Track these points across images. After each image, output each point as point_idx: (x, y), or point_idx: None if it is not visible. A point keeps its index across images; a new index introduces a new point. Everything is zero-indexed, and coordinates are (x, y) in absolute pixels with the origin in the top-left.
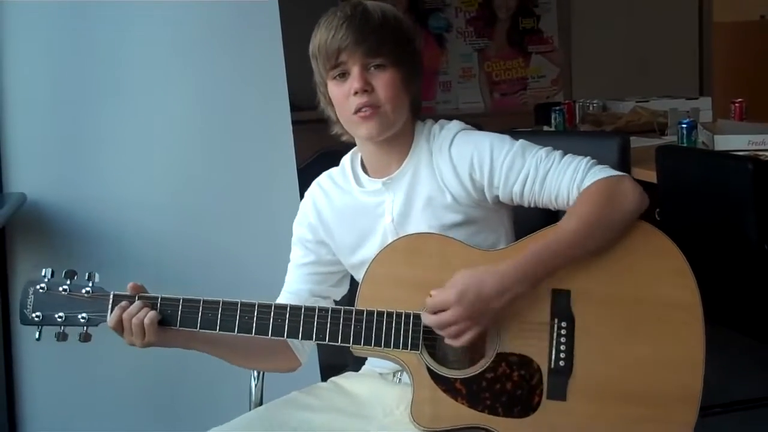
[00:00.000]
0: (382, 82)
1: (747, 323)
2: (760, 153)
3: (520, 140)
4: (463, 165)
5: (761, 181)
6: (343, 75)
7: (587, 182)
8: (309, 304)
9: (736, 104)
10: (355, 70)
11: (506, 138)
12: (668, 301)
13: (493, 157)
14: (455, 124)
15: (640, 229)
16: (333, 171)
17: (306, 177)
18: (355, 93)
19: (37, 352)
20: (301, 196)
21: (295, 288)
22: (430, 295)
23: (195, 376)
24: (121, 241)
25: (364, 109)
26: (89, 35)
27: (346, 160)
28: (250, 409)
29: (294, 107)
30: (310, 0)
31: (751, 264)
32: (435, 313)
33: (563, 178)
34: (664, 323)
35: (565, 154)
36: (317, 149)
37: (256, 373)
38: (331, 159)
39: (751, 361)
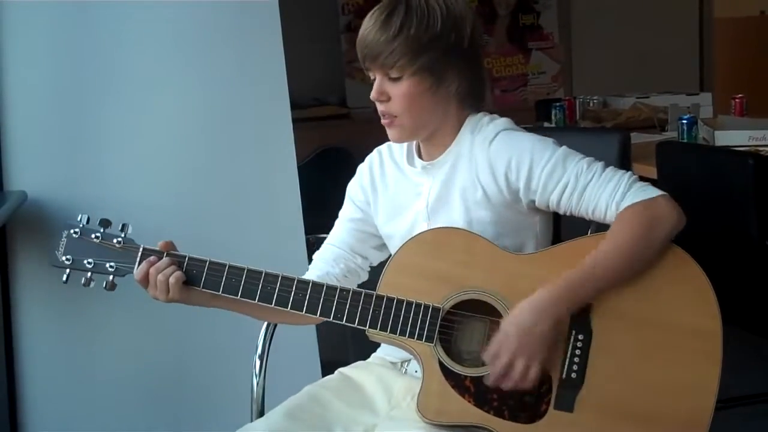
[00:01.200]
0: (397, 93)
1: (748, 319)
2: (761, 148)
3: (563, 147)
4: (500, 164)
5: (762, 177)
6: (374, 79)
7: (626, 202)
8: (347, 257)
9: (737, 100)
10: (377, 79)
11: (549, 142)
12: (690, 328)
13: (533, 162)
14: (503, 122)
15: (671, 253)
16: (395, 144)
17: (306, 174)
18: (375, 100)
19: (38, 353)
20: (302, 194)
21: (337, 240)
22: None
23: (196, 376)
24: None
25: (384, 115)
26: (89, 34)
27: None
28: (251, 408)
29: (294, 105)
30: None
31: (752, 259)
32: (492, 364)
33: (602, 193)
34: (682, 349)
35: (606, 166)
36: (317, 146)
37: (257, 372)
38: (331, 156)
39: (753, 357)
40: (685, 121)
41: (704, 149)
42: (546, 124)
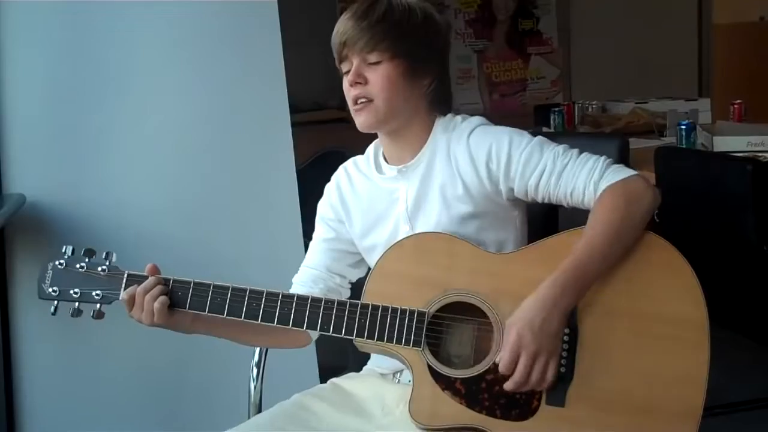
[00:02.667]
0: (376, 76)
1: (747, 325)
2: (759, 154)
3: (539, 136)
4: (480, 154)
5: (760, 182)
6: (349, 70)
7: (603, 182)
8: (325, 277)
9: (735, 105)
10: (354, 65)
11: (525, 133)
12: (675, 317)
13: (511, 149)
14: (477, 118)
15: (652, 243)
16: (359, 157)
17: (305, 178)
18: (351, 85)
19: (36, 356)
20: (301, 197)
21: (313, 262)
22: (495, 363)
23: (195, 378)
24: (120, 242)
25: (360, 101)
26: (88, 37)
27: (371, 147)
28: (249, 410)
29: (294, 109)
30: (310, 1)
31: (750, 265)
32: (512, 372)
33: (579, 174)
34: (669, 339)
35: (582, 152)
36: (316, 150)
37: (254, 374)
38: (330, 160)
39: (752, 363)
40: (683, 127)
41: (703, 155)
42: (545, 129)
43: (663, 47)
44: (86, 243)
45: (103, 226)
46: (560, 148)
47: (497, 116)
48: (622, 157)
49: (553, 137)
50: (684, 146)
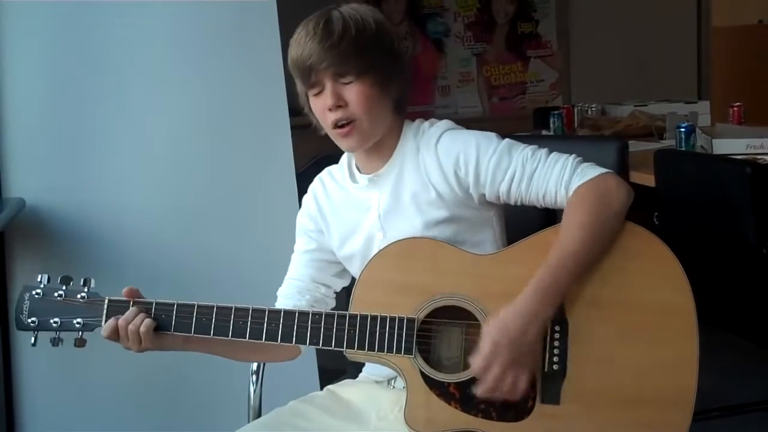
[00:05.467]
0: (354, 95)
1: (746, 327)
2: (759, 157)
3: (506, 139)
4: (448, 162)
5: (759, 185)
6: (321, 91)
7: (574, 183)
8: (310, 288)
9: (735, 108)
10: (327, 87)
11: (492, 136)
12: (662, 304)
13: (479, 156)
14: (444, 123)
15: (633, 233)
16: (333, 167)
17: (305, 181)
18: (330, 109)
19: (35, 357)
20: (300, 201)
21: (297, 274)
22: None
23: (194, 382)
24: (119, 245)
25: (341, 124)
26: (87, 38)
27: (344, 157)
28: (248, 415)
29: (293, 111)
30: (309, 1)
31: (749, 268)
32: (483, 377)
33: (550, 177)
34: (657, 326)
35: (551, 152)
36: (316, 154)
37: (254, 378)
38: (330, 163)
39: (751, 365)
40: (683, 130)
41: (702, 157)
42: (544, 132)
43: (662, 50)
44: (86, 247)
45: (103, 230)
46: (529, 150)
47: (497, 119)
48: (622, 160)
49: (553, 140)
50: (683, 149)
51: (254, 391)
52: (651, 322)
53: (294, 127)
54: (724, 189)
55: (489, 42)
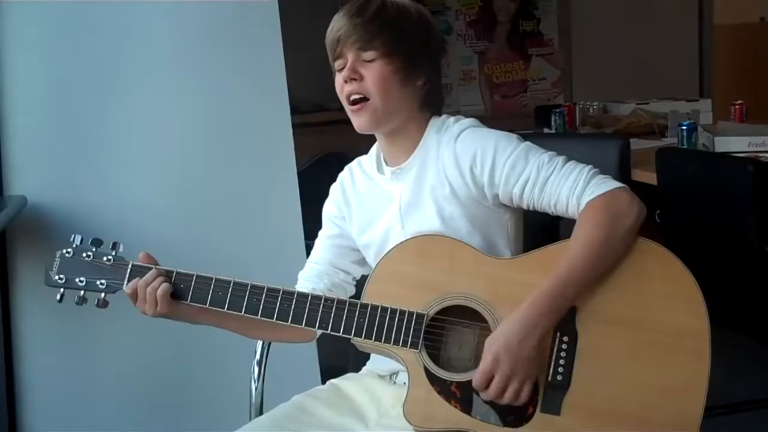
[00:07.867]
0: (372, 73)
1: (748, 325)
2: (761, 155)
3: (526, 142)
4: (465, 159)
5: (761, 183)
6: (344, 67)
7: (587, 195)
8: (330, 273)
9: (736, 106)
10: (349, 60)
11: (513, 138)
12: (676, 328)
13: (496, 156)
14: (469, 121)
15: (653, 253)
16: (363, 157)
17: (306, 180)
18: (346, 81)
19: (37, 355)
20: (302, 199)
21: (317, 258)
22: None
23: (196, 378)
24: (121, 243)
25: (354, 99)
26: (89, 37)
27: (374, 147)
28: (250, 411)
29: (294, 110)
30: (310, 1)
31: (752, 265)
32: (487, 387)
33: (563, 186)
34: (669, 349)
35: (568, 160)
36: (317, 152)
37: (256, 375)
38: (331, 162)
39: (753, 363)
40: (684, 128)
41: (704, 155)
42: (546, 130)
43: (664, 48)
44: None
45: (105, 228)
46: (546, 156)
47: (498, 117)
48: (623, 158)
49: (555, 138)
50: (685, 147)
51: (256, 387)
52: (663, 344)
53: (296, 126)
54: (726, 187)
55: (491, 40)
